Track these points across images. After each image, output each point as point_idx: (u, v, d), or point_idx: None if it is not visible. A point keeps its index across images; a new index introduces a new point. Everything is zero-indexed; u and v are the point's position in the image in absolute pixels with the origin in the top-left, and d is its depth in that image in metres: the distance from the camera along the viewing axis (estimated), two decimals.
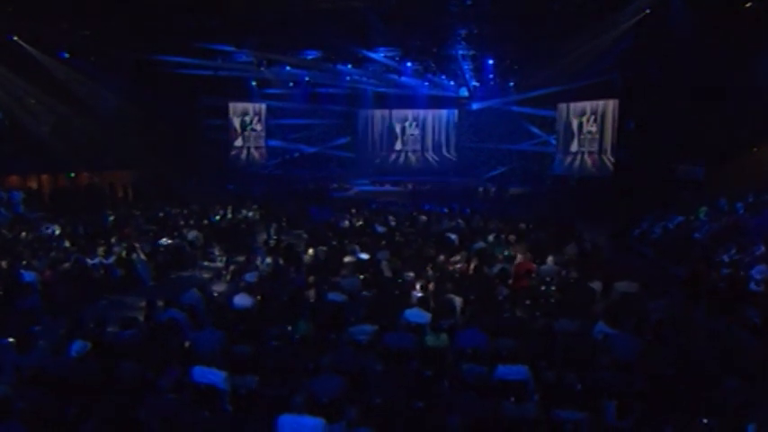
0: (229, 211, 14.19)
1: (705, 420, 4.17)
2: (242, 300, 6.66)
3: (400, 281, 7.69)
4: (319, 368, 4.69)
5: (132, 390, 4.50)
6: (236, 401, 4.49)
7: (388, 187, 20.80)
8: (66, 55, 15.83)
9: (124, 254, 9.52)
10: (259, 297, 6.85)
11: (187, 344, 5.51)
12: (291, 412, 4.05)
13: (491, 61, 18.80)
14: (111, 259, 9.33)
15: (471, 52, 17.80)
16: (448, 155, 23.35)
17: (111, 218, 13.10)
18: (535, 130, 21.64)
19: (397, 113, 23.17)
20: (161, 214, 13.62)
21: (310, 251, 9.28)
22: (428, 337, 5.49)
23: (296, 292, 6.94)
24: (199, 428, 4.14)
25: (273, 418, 4.02)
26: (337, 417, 4.09)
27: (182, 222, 12.50)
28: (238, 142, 22.55)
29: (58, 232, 11.27)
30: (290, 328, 5.69)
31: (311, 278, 7.67)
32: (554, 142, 20.70)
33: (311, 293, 7.03)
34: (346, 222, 12.73)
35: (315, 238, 10.67)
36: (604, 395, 4.45)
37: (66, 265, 8.78)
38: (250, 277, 7.63)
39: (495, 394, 4.35)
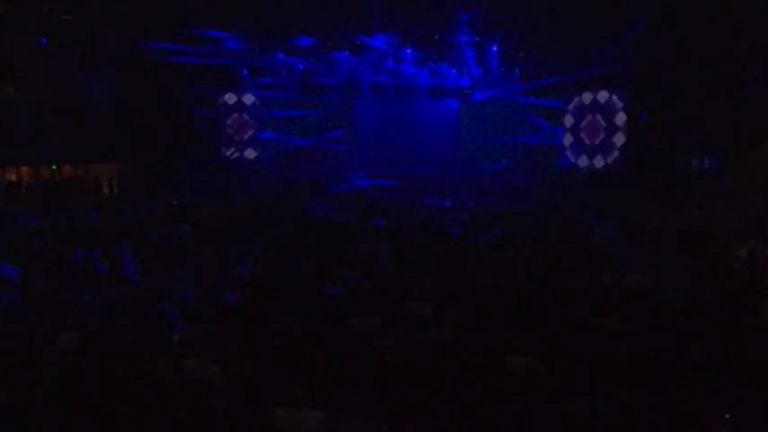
0: (221, 204, 14.14)
1: (728, 415, 4.17)
2: (233, 296, 6.64)
3: (401, 274, 7.68)
4: (318, 360, 4.67)
5: (122, 383, 4.46)
6: (231, 394, 4.45)
7: (386, 181, 20.74)
8: (46, 41, 15.70)
9: (110, 248, 9.45)
10: (253, 290, 6.81)
11: (176, 337, 5.50)
12: (289, 405, 4.03)
13: (495, 48, 18.73)
14: (96, 253, 9.27)
15: (474, 39, 17.73)
16: (449, 147, 23.28)
17: (96, 212, 13.02)
18: (541, 121, 21.60)
19: (396, 104, 23.08)
20: (149, 208, 13.56)
21: (307, 244, 9.24)
22: (432, 329, 5.46)
23: (293, 284, 6.92)
24: (193, 422, 4.09)
25: (270, 410, 4.01)
26: (337, 410, 4.05)
27: (171, 216, 12.44)
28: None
29: (38, 226, 11.19)
30: (285, 320, 5.66)
31: (309, 271, 7.64)
32: (561, 134, 20.67)
33: (309, 287, 6.99)
34: (344, 216, 12.70)
35: (312, 232, 10.63)
36: (620, 386, 4.44)
37: (48, 258, 8.74)
38: (244, 270, 7.60)
39: (505, 386, 4.32)
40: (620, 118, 18.29)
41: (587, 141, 19.54)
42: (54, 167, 17.28)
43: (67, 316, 6.24)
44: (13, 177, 16.42)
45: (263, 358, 4.97)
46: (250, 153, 22.81)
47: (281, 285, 7.03)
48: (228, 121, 22.66)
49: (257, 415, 4.08)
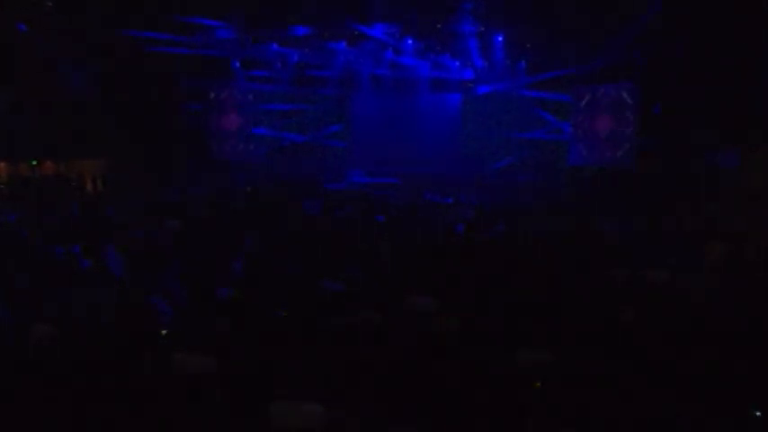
0: (213, 202, 14.13)
1: (758, 413, 4.12)
2: (225, 291, 6.63)
3: (403, 270, 7.66)
4: (316, 354, 4.63)
5: (108, 379, 4.41)
6: (226, 389, 4.41)
7: (386, 178, 20.71)
8: (25, 28, 15.59)
9: (94, 244, 9.38)
10: (247, 285, 6.79)
11: (165, 332, 5.46)
12: (286, 399, 3.98)
13: (500, 39, 18.74)
14: (78, 249, 9.20)
15: (479, 29, 17.75)
16: (451, 144, 23.26)
17: (80, 208, 12.98)
18: (548, 116, 21.60)
19: (396, 98, 23.06)
20: (136, 204, 13.53)
21: (306, 240, 9.25)
22: (435, 322, 5.43)
23: (291, 279, 6.92)
24: (185, 419, 4.04)
25: (266, 405, 3.96)
26: (337, 403, 4.00)
27: (160, 213, 12.41)
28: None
29: (18, 222, 11.15)
30: (283, 314, 5.63)
31: (308, 266, 7.64)
32: (569, 130, 20.65)
33: (308, 282, 6.97)
34: (343, 213, 12.72)
35: (310, 228, 10.63)
36: (638, 384, 4.39)
37: (28, 255, 8.68)
38: (237, 265, 7.58)
39: (516, 379, 4.28)
40: (633, 112, 18.25)
41: (598, 137, 19.51)
42: (34, 163, 17.19)
43: (47, 311, 6.18)
44: None
45: (257, 353, 4.92)
46: (243, 149, 22.75)
47: (277, 281, 7.00)
48: (220, 117, 22.61)
49: (253, 409, 4.03)
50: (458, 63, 21.52)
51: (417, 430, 3.96)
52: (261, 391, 4.29)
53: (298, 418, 3.89)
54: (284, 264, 7.86)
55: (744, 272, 7.96)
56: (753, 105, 12.90)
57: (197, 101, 21.78)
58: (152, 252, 9.10)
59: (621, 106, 18.68)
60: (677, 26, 14.33)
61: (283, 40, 19.45)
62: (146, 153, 18.63)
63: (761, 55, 12.39)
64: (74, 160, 18.04)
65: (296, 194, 16.37)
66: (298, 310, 5.87)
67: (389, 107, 23.12)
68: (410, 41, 19.17)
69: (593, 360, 4.72)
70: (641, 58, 16.97)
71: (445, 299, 6.11)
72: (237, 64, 21.49)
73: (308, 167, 21.89)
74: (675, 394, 4.32)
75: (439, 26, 17.83)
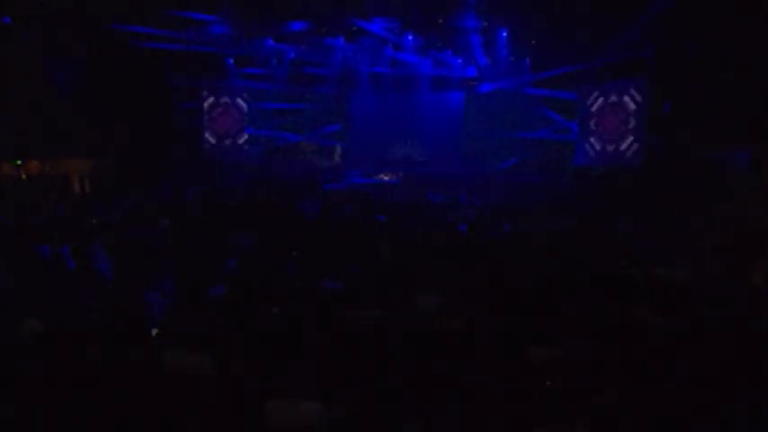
0: (206, 201, 14.15)
1: None
2: (219, 289, 6.63)
3: (404, 269, 7.64)
4: (314, 352, 4.62)
5: (98, 377, 4.38)
6: (221, 388, 4.38)
7: (385, 179, 20.75)
8: (10, 21, 15.59)
9: (81, 243, 9.36)
10: (242, 283, 6.78)
11: (156, 331, 5.44)
12: (283, 397, 3.96)
13: (504, 35, 18.79)
14: (67, 249, 9.18)
15: (482, 24, 17.80)
16: (453, 143, 23.31)
17: (67, 208, 12.98)
18: (554, 115, 21.66)
19: (396, 97, 23.12)
20: (126, 204, 13.53)
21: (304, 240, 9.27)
22: (440, 320, 5.41)
23: (290, 278, 6.93)
24: (179, 419, 4.01)
25: (262, 404, 3.94)
26: (336, 401, 3.98)
27: (152, 211, 12.42)
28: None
29: (2, 221, 11.14)
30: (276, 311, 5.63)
31: (305, 265, 7.64)
32: (576, 129, 20.71)
33: (306, 280, 6.98)
34: (343, 213, 12.75)
35: (309, 228, 10.65)
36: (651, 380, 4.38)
37: (12, 255, 8.66)
38: (232, 263, 7.58)
39: (527, 376, 4.27)
40: (642, 110, 18.30)
41: (605, 136, 19.56)
42: (18, 162, 17.16)
43: (35, 311, 6.14)
44: None
45: (253, 351, 4.90)
46: (237, 149, 22.77)
47: (276, 280, 6.99)
48: (213, 115, 22.65)
49: (250, 408, 4.00)
50: (460, 60, 21.59)
51: (418, 430, 3.94)
52: (258, 390, 4.28)
53: (296, 416, 3.86)
54: (283, 263, 7.87)
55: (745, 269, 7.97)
56: (764, 104, 12.94)
57: (189, 99, 21.80)
58: (144, 251, 9.09)
59: (630, 104, 18.73)
60: (689, 23, 14.38)
61: (279, 36, 19.49)
62: (137, 153, 18.63)
63: None
64: (59, 160, 18.02)
65: (294, 194, 16.39)
66: (297, 310, 5.86)
67: (389, 106, 23.16)
68: (410, 37, 19.21)
69: (601, 360, 4.70)
70: (651, 54, 16.99)
71: (449, 298, 6.11)
72: (231, 61, 21.54)
73: (305, 168, 21.93)
74: (686, 393, 4.31)
75: (440, 21, 17.87)
